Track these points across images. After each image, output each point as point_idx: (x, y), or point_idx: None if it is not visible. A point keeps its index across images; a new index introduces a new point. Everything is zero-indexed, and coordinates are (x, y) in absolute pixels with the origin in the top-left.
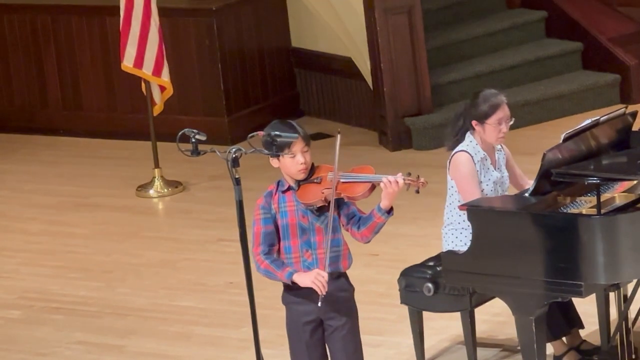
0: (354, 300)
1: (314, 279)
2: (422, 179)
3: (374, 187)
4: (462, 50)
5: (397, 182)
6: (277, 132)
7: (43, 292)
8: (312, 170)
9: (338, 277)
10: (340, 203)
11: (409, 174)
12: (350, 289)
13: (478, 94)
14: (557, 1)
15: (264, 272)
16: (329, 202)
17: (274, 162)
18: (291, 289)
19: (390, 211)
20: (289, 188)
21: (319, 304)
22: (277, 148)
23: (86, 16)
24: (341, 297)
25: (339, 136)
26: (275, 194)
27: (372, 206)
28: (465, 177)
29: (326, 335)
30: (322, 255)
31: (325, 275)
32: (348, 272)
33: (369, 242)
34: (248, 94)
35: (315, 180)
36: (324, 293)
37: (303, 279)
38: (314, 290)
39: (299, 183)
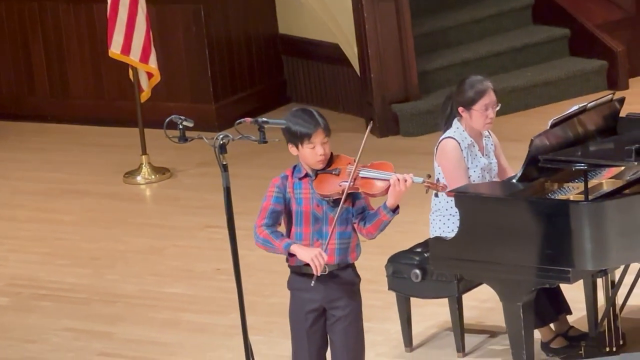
0: (359, 292)
1: (314, 257)
2: (441, 183)
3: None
4: (449, 37)
5: (405, 182)
6: (264, 119)
7: (31, 279)
8: (330, 159)
9: (345, 268)
10: (354, 196)
11: (429, 176)
12: (357, 280)
13: (464, 81)
14: None
15: (262, 242)
16: (348, 193)
17: (292, 150)
18: (298, 275)
19: (396, 209)
20: (306, 175)
21: (312, 284)
22: (297, 138)
23: (73, 3)
24: (347, 288)
25: (369, 126)
26: (291, 178)
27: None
28: (452, 164)
29: (328, 324)
30: (332, 246)
31: (325, 257)
32: None
33: (373, 238)
34: (235, 80)
35: (333, 172)
36: (319, 274)
37: (303, 252)
38: (318, 278)
39: (317, 172)
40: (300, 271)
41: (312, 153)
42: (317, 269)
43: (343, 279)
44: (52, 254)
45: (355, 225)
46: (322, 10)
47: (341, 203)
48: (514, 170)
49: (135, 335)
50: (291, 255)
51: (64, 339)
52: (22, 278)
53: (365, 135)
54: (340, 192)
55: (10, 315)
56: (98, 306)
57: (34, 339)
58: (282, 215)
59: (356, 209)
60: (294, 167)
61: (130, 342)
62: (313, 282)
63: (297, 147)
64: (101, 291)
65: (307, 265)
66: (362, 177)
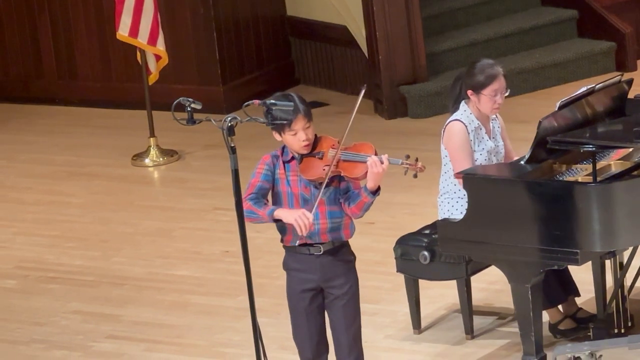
0: (355, 269)
1: (298, 217)
2: (419, 164)
3: None
4: (457, 19)
5: (382, 163)
6: (272, 101)
7: (39, 261)
8: (315, 141)
9: (340, 247)
10: (340, 177)
11: (408, 157)
12: (352, 258)
13: (474, 64)
14: None
15: (246, 213)
16: (333, 176)
17: (277, 135)
18: (293, 255)
19: (376, 192)
20: (293, 158)
21: (297, 243)
22: (278, 125)
23: None
24: (342, 266)
25: (362, 91)
26: (282, 159)
27: None
28: (457, 146)
29: (326, 302)
30: (324, 226)
31: (311, 217)
32: None
33: (360, 217)
34: (243, 62)
35: (317, 156)
36: (304, 234)
37: (287, 214)
38: (314, 258)
39: (302, 156)
40: (295, 251)
41: (295, 139)
42: (301, 229)
43: (338, 258)
44: (60, 236)
45: (342, 204)
46: None
47: (322, 187)
48: (518, 154)
49: (143, 318)
50: (276, 220)
51: (72, 321)
52: (30, 261)
53: (353, 114)
54: (324, 176)
55: (18, 298)
56: (106, 289)
57: (42, 321)
58: (269, 192)
59: (343, 189)
60: (283, 148)
61: (138, 325)
62: (298, 242)
63: (280, 134)
64: (109, 274)
65: (302, 245)
66: (344, 161)
